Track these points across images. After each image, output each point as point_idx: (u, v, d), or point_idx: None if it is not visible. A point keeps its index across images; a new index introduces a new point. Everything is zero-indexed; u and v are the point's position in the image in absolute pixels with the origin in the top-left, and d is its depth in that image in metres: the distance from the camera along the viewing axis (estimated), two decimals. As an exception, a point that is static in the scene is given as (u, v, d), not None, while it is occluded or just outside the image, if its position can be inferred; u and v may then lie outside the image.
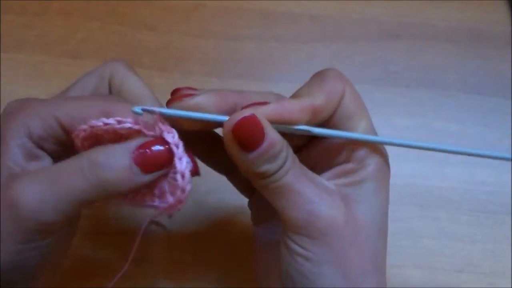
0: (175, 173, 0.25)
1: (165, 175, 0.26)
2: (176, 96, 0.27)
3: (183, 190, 0.26)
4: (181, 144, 0.25)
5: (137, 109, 0.25)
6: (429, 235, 0.39)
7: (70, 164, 0.25)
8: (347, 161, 0.27)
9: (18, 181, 0.24)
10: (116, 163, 0.24)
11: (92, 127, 0.25)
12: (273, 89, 0.43)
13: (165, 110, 0.25)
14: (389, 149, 0.42)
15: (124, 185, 0.25)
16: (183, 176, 0.25)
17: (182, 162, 0.25)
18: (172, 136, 0.25)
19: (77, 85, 0.29)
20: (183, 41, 0.46)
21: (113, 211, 0.38)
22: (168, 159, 0.25)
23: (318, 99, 0.26)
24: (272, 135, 0.24)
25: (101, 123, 0.25)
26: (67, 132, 0.26)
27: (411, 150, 0.42)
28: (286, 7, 0.48)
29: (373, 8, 0.48)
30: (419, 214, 0.40)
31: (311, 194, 0.25)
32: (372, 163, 0.27)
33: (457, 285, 0.37)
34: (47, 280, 0.28)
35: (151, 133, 0.25)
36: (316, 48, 0.46)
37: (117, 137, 0.26)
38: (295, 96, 0.27)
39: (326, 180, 0.27)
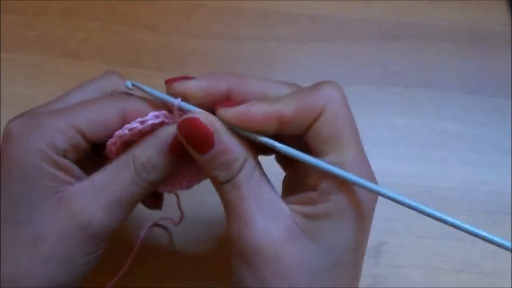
0: None
1: None
2: (172, 78, 0.27)
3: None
4: None
5: (128, 83, 0.27)
6: (429, 235, 0.39)
7: (121, 172, 0.26)
8: (314, 188, 0.24)
9: (82, 198, 0.25)
10: (158, 163, 0.26)
11: (121, 137, 0.26)
12: (273, 89, 0.44)
13: (151, 90, 0.27)
14: (389, 149, 0.42)
15: (165, 177, 0.26)
16: None
17: None
18: None
19: (75, 94, 0.28)
20: (183, 41, 0.46)
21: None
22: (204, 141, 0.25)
23: (287, 108, 0.23)
24: (226, 141, 0.24)
25: (126, 131, 0.26)
26: (87, 139, 0.26)
27: (411, 150, 0.42)
28: (286, 7, 0.48)
29: (373, 8, 0.48)
30: (419, 214, 0.40)
31: (252, 216, 0.24)
32: (339, 198, 0.24)
33: (457, 285, 0.37)
34: None
35: (172, 120, 0.26)
36: (316, 48, 0.46)
37: (144, 133, 0.27)
38: (273, 99, 0.25)
39: (288, 203, 0.25)
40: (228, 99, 0.25)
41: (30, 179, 0.24)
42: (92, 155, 0.27)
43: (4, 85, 0.43)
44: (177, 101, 0.25)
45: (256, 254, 0.23)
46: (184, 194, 0.37)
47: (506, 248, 0.23)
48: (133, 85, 0.27)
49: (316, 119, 0.24)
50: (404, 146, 0.42)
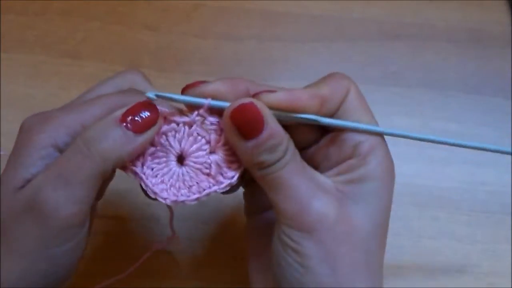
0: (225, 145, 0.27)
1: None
2: (191, 83, 0.27)
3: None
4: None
5: (151, 94, 0.26)
6: (429, 235, 0.39)
7: (69, 151, 0.25)
8: (350, 157, 0.26)
9: (33, 183, 0.25)
10: (107, 131, 0.25)
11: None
12: (273, 89, 0.44)
13: (178, 96, 0.26)
14: (390, 150, 0.42)
15: (123, 150, 0.25)
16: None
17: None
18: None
19: (91, 93, 0.28)
20: (183, 41, 0.46)
21: (113, 211, 0.38)
22: (155, 117, 0.26)
23: (324, 89, 0.26)
24: (273, 125, 0.25)
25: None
26: None
27: (411, 149, 0.42)
28: (286, 7, 0.48)
29: (373, 8, 0.48)
30: (419, 214, 0.40)
31: (305, 189, 0.25)
32: (374, 160, 0.26)
33: (457, 285, 0.37)
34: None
35: (182, 119, 0.27)
36: (316, 48, 0.46)
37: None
38: (306, 86, 0.28)
39: (328, 177, 0.27)
40: (268, 89, 0.27)
41: (17, 166, 0.25)
42: None
43: (4, 85, 0.43)
44: (208, 101, 0.26)
45: (318, 222, 0.25)
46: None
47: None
48: (156, 95, 0.26)
49: (345, 96, 0.27)
50: (404, 146, 0.42)
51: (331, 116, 0.27)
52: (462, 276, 0.38)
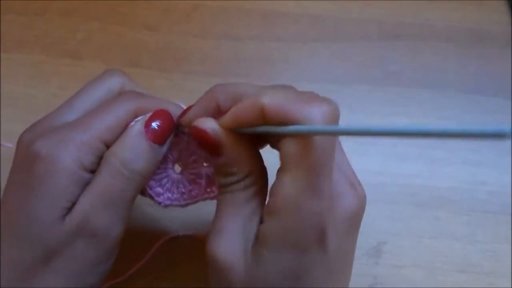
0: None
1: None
2: (182, 113, 0.28)
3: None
4: None
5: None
6: (429, 235, 0.39)
7: (107, 174, 0.26)
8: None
9: (81, 212, 0.25)
10: (138, 149, 0.26)
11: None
12: (273, 89, 0.44)
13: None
14: (389, 149, 0.43)
15: (153, 164, 0.27)
16: None
17: None
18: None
19: (82, 98, 0.28)
20: (183, 41, 0.46)
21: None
22: (171, 126, 0.27)
23: (270, 101, 0.24)
24: (231, 154, 0.25)
25: None
26: (107, 145, 0.27)
27: (411, 149, 0.42)
28: (286, 7, 0.48)
29: (373, 8, 0.48)
30: (419, 214, 0.40)
31: (225, 227, 0.25)
32: (277, 193, 0.24)
33: (457, 285, 0.37)
34: None
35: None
36: (316, 48, 0.46)
37: None
38: (262, 91, 0.25)
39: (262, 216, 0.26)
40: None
41: (54, 197, 0.25)
42: None
43: (4, 85, 0.43)
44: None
45: (213, 262, 0.25)
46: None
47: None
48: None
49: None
50: (404, 146, 0.42)
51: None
52: (462, 276, 0.38)
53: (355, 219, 0.25)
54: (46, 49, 0.45)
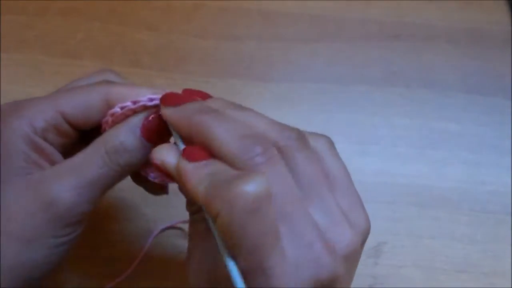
0: None
1: None
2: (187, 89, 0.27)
3: None
4: None
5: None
6: (429, 235, 0.39)
7: (92, 155, 0.26)
8: None
9: (49, 179, 0.25)
10: (130, 145, 0.26)
11: (112, 115, 0.27)
12: (273, 89, 0.44)
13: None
14: (389, 149, 0.43)
15: (138, 160, 0.26)
16: None
17: None
18: None
19: (67, 86, 0.29)
20: (183, 41, 0.46)
21: (113, 211, 0.38)
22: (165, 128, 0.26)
23: (201, 189, 0.22)
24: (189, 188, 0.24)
25: (118, 109, 0.26)
26: (72, 124, 0.27)
27: (411, 150, 0.42)
28: (286, 7, 0.48)
29: (373, 8, 0.48)
30: (419, 214, 0.40)
31: (189, 261, 0.25)
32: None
33: (457, 285, 0.37)
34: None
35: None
36: (316, 48, 0.46)
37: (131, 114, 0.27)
38: None
39: None
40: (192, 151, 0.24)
41: (4, 157, 0.25)
42: (82, 144, 0.27)
43: (4, 85, 0.43)
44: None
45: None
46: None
47: None
48: None
49: (215, 218, 0.22)
50: (404, 146, 0.42)
51: None
52: (462, 276, 0.38)
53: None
54: (46, 49, 0.45)
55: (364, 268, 0.37)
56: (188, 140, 0.24)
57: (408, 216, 0.39)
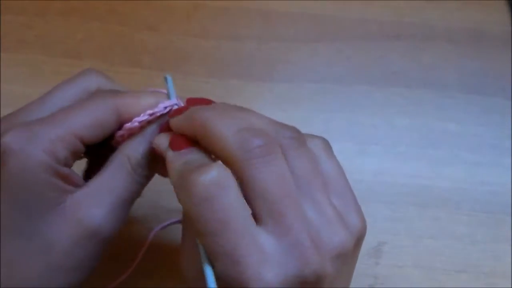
0: None
1: None
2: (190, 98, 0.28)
3: None
4: None
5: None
6: (429, 235, 0.39)
7: (119, 171, 0.26)
8: None
9: (85, 204, 0.25)
10: (152, 158, 0.26)
11: (130, 129, 0.26)
12: (273, 89, 0.44)
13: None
14: (389, 149, 0.43)
15: (160, 166, 0.27)
16: None
17: None
18: None
19: (56, 95, 0.27)
20: (183, 41, 0.46)
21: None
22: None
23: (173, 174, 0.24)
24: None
25: (136, 123, 0.26)
26: (84, 142, 0.26)
27: (411, 149, 0.42)
28: (286, 7, 0.48)
29: (373, 8, 0.48)
30: (419, 214, 0.40)
31: (182, 249, 0.25)
32: None
33: (457, 285, 0.37)
34: None
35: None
36: (316, 48, 0.46)
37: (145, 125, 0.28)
38: None
39: None
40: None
41: (35, 191, 0.24)
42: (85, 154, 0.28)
43: (4, 85, 0.43)
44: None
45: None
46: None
47: None
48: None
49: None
50: (404, 146, 0.42)
51: None
52: (462, 276, 0.38)
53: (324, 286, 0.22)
54: (46, 49, 0.45)
55: (364, 268, 0.37)
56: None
57: (408, 216, 0.39)
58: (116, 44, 0.45)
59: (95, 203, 0.25)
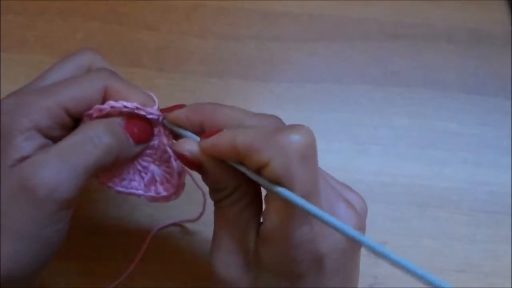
0: (169, 163, 0.29)
1: (158, 164, 0.29)
2: (165, 108, 0.29)
3: (179, 175, 0.28)
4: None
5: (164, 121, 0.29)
6: (429, 235, 0.39)
7: (78, 137, 0.26)
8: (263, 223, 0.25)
9: (29, 164, 0.24)
10: (115, 130, 0.27)
11: (100, 110, 0.27)
12: (273, 89, 0.44)
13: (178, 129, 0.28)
14: (389, 149, 0.43)
15: (124, 152, 0.27)
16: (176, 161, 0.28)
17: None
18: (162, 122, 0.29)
19: (53, 70, 0.29)
20: (183, 41, 0.46)
21: (114, 211, 0.38)
22: (151, 131, 0.29)
23: (243, 138, 0.23)
24: (213, 173, 0.25)
25: (108, 107, 0.27)
26: (71, 115, 0.27)
27: (411, 150, 0.42)
28: (286, 7, 0.48)
29: (373, 8, 0.48)
30: (419, 214, 0.40)
31: (222, 240, 0.26)
32: (267, 220, 0.24)
33: (457, 285, 0.37)
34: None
35: (151, 116, 0.28)
36: (316, 48, 0.46)
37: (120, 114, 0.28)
38: (243, 128, 0.25)
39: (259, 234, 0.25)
40: (211, 130, 0.26)
41: (4, 149, 0.25)
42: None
43: (4, 85, 0.43)
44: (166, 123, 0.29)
45: (215, 277, 0.25)
46: (184, 194, 0.37)
47: None
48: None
49: (263, 167, 0.23)
50: (404, 146, 0.42)
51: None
52: (462, 276, 0.38)
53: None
54: (46, 49, 0.45)
55: (364, 268, 0.37)
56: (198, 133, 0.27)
57: (408, 216, 0.39)
58: (116, 44, 0.45)
59: (41, 165, 0.24)
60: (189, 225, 0.38)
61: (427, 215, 0.39)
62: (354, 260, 0.26)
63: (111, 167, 0.28)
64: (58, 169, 0.24)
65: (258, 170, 0.23)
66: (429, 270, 0.38)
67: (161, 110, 0.29)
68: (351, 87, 0.44)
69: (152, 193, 0.29)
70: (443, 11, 0.48)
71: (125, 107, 0.27)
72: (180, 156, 0.26)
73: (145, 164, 0.29)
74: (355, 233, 0.21)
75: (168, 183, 0.29)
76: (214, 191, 0.27)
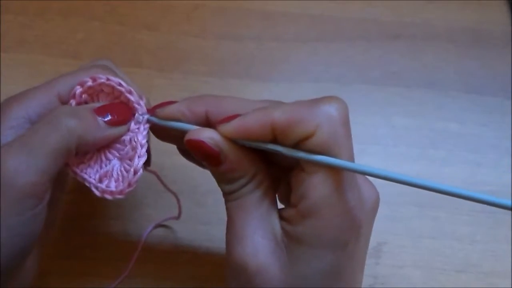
0: (132, 161, 0.27)
1: (121, 160, 0.28)
2: (158, 104, 0.28)
3: (135, 172, 0.27)
4: (145, 133, 0.28)
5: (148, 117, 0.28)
6: (429, 235, 0.39)
7: (38, 123, 0.26)
8: (295, 205, 0.24)
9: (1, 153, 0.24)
10: (80, 112, 0.26)
11: (82, 84, 0.27)
12: (273, 89, 0.44)
13: (167, 123, 0.27)
14: (389, 149, 0.43)
15: (91, 134, 0.26)
16: (138, 156, 0.27)
17: (143, 146, 0.27)
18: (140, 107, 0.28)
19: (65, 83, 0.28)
20: (183, 41, 0.46)
21: (114, 212, 0.38)
22: (128, 115, 0.28)
23: (281, 116, 0.23)
24: (233, 159, 0.25)
25: (89, 80, 0.27)
26: (65, 103, 0.27)
27: (411, 150, 0.42)
28: (286, 7, 0.48)
29: (373, 8, 0.48)
30: (419, 214, 0.40)
31: (243, 230, 0.25)
32: (311, 226, 0.24)
33: (457, 285, 0.37)
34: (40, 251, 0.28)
35: (130, 96, 0.28)
36: (316, 48, 0.46)
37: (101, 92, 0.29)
38: (271, 106, 0.25)
39: (288, 216, 0.25)
40: (228, 116, 0.25)
41: None
42: None
43: (4, 85, 0.43)
44: (145, 117, 0.28)
45: (241, 269, 0.24)
46: (184, 194, 0.37)
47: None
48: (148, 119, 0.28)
49: (308, 137, 0.23)
50: (404, 146, 0.42)
51: (296, 145, 0.24)
52: (462, 276, 0.38)
53: (376, 208, 0.26)
54: (46, 49, 0.45)
55: (364, 268, 0.37)
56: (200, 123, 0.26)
57: (408, 216, 0.39)
58: (116, 44, 0.45)
59: (8, 152, 0.24)
60: (184, 227, 0.38)
61: (427, 215, 0.39)
62: (371, 231, 0.27)
63: (81, 152, 0.27)
64: (17, 153, 0.24)
65: (296, 144, 0.23)
66: (429, 270, 0.38)
67: (151, 108, 0.28)
68: (351, 87, 0.44)
69: (102, 186, 0.28)
70: (443, 11, 0.48)
71: (108, 79, 0.27)
72: (197, 145, 0.25)
73: (110, 156, 0.28)
74: (420, 181, 0.24)
75: (121, 181, 0.28)
76: (228, 182, 0.25)
